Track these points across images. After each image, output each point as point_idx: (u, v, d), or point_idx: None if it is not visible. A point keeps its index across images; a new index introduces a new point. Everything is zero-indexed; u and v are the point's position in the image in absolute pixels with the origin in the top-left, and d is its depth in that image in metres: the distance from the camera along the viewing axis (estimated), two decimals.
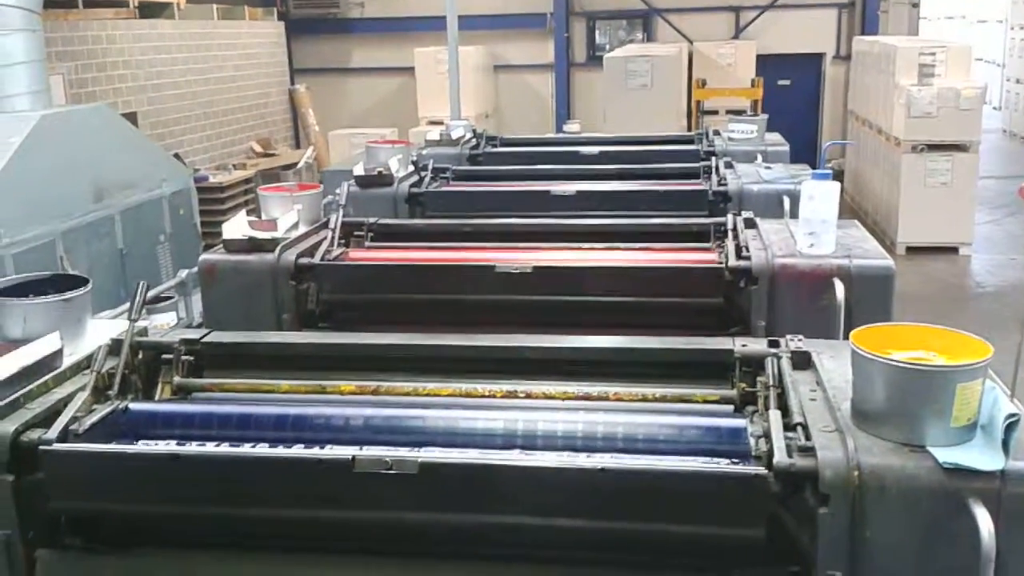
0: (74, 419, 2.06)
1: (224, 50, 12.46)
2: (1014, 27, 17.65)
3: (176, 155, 9.81)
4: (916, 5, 14.67)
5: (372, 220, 3.84)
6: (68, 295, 2.41)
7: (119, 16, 10.41)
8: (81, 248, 5.84)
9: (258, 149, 12.57)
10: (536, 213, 4.29)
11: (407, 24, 14.29)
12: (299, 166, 11.94)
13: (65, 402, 2.14)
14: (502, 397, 2.34)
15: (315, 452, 2.02)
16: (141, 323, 2.48)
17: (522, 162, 5.81)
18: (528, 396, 2.32)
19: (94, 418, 2.11)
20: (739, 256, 3.19)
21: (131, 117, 9.84)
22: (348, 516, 1.98)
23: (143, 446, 2.12)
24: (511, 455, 2.01)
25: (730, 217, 3.55)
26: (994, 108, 18.70)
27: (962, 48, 10.47)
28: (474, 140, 6.32)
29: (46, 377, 2.21)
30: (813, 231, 3.17)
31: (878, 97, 10.89)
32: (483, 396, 2.35)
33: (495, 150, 6.34)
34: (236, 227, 3.51)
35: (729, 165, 4.93)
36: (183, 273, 4.77)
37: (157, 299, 4.32)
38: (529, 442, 2.09)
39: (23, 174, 5.43)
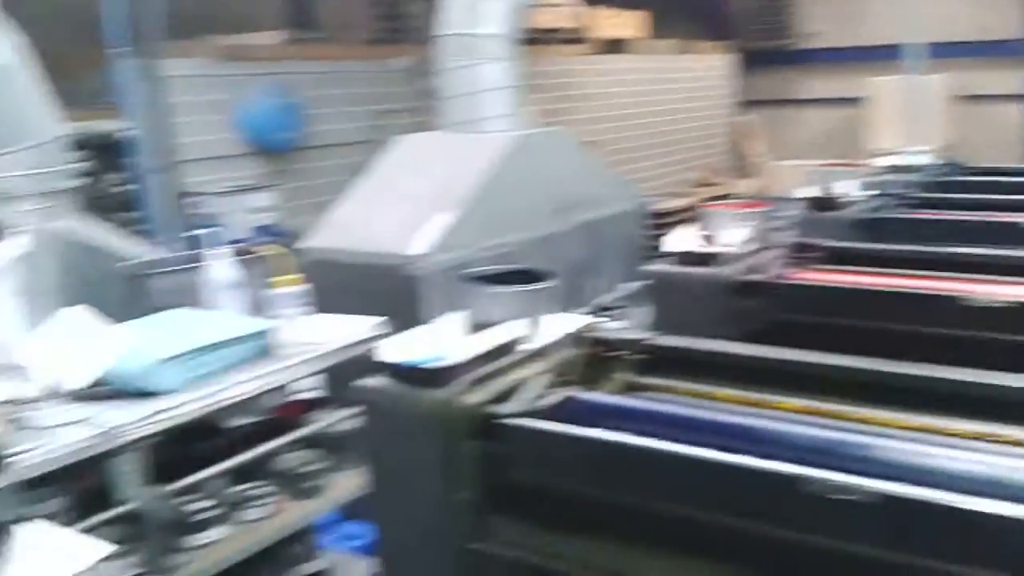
0: (531, 399, 2.19)
1: (675, 83, 12.85)
2: None
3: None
4: None
5: (825, 242, 3.65)
6: (535, 286, 2.58)
7: (581, 52, 11.23)
8: (537, 260, 6.26)
9: (705, 179, 12.76)
10: (1005, 247, 3.78)
11: (862, 53, 13.63)
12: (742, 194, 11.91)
13: (521, 384, 2.28)
14: (971, 439, 2.06)
15: (767, 465, 1.91)
16: (594, 321, 2.59)
17: (993, 193, 5.17)
18: (1010, 442, 2.02)
19: (548, 401, 2.23)
20: None
21: (591, 146, 10.52)
22: (787, 538, 1.87)
23: (596, 432, 2.15)
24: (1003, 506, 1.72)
25: None
26: None
27: None
28: (939, 168, 5.77)
29: (506, 360, 2.37)
30: None
31: None
32: (947, 434, 2.09)
33: (962, 179, 5.73)
34: (680, 241, 3.54)
35: None
36: (633, 285, 4.95)
37: (606, 308, 4.54)
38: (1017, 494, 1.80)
39: (491, 190, 5.97)
